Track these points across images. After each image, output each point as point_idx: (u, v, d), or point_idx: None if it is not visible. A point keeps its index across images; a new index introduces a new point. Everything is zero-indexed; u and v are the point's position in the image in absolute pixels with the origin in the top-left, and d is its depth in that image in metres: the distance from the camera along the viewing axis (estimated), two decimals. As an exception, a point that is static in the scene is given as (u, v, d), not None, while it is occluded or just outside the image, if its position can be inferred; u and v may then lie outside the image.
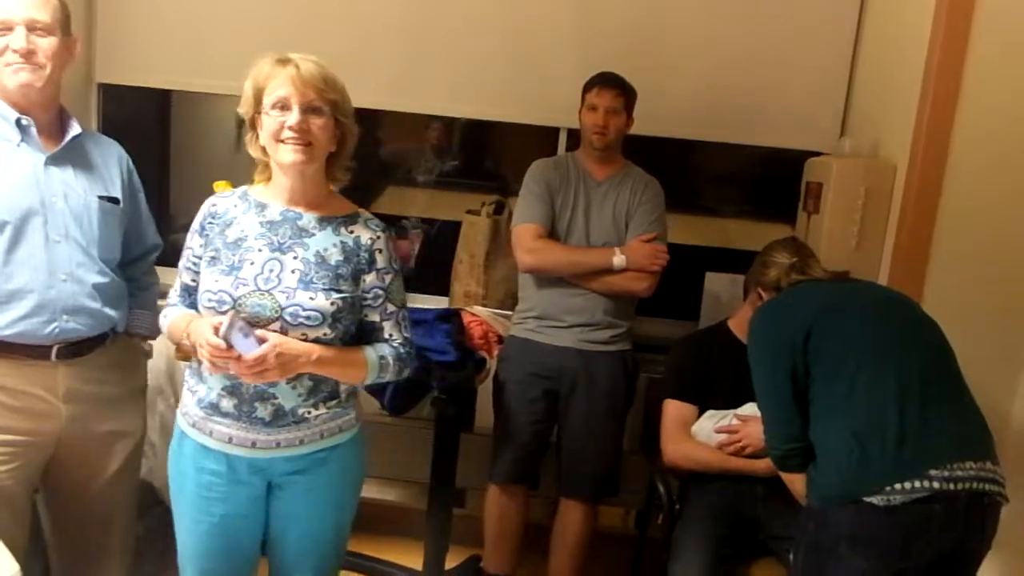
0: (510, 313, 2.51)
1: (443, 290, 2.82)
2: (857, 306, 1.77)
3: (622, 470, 2.40)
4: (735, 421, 2.17)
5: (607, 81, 2.30)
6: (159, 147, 3.09)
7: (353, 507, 1.71)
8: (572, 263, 2.28)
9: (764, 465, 2.14)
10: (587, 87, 2.33)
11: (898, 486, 1.52)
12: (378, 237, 1.58)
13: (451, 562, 2.48)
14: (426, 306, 2.59)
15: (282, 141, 1.49)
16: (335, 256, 1.54)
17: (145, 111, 3.03)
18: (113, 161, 1.82)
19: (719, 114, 2.70)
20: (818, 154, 2.56)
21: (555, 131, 2.82)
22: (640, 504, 2.60)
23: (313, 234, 1.55)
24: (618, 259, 2.25)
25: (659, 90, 2.64)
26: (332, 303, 1.50)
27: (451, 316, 2.43)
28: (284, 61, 1.49)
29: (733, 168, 3.28)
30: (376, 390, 2.24)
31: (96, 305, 1.71)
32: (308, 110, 1.48)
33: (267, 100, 1.49)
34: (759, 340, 1.82)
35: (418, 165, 3.41)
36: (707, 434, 2.21)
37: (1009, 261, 2.14)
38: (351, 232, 1.57)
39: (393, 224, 3.30)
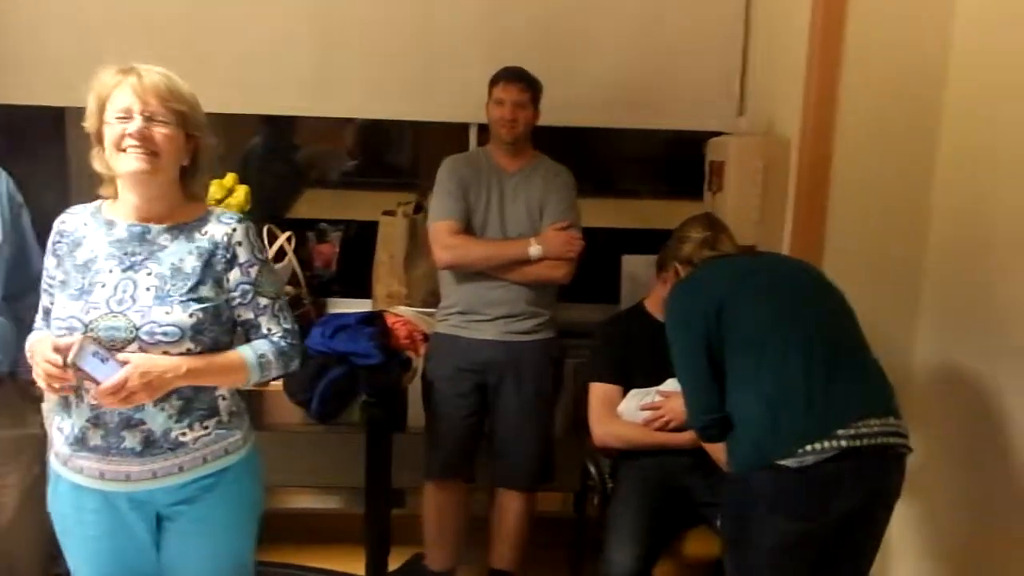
0: (434, 311, 2.52)
1: (365, 292, 2.80)
2: (764, 278, 1.85)
3: (556, 455, 2.44)
4: (658, 398, 2.24)
5: (512, 75, 2.32)
6: (58, 168, 2.97)
7: (252, 536, 1.63)
8: (489, 256, 2.30)
9: (689, 437, 2.20)
10: (493, 82, 2.35)
11: (808, 447, 1.60)
12: (234, 230, 1.51)
13: (396, 563, 2.48)
14: (349, 309, 2.58)
15: (123, 150, 1.42)
16: (191, 263, 1.48)
17: (38, 131, 2.90)
18: None
19: (625, 101, 2.75)
20: (720, 134, 2.65)
21: (466, 127, 2.83)
22: (577, 486, 2.65)
23: (165, 246, 1.49)
24: (534, 249, 2.28)
25: (566, 81, 2.67)
26: (191, 315, 1.44)
27: (374, 318, 2.42)
28: (127, 71, 1.44)
29: (644, 150, 3.36)
30: (302, 399, 2.22)
31: None
32: (151, 119, 1.42)
33: (110, 110, 1.43)
34: (675, 316, 1.88)
35: (333, 167, 3.38)
36: (632, 412, 2.27)
37: (899, 222, 2.27)
38: (205, 233, 1.51)
39: (312, 227, 3.28)
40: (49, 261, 1.53)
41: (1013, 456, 1.92)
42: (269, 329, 1.55)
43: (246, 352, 1.52)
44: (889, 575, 2.33)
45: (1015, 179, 1.93)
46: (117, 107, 1.42)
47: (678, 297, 1.91)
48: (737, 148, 2.41)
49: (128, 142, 1.41)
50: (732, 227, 2.40)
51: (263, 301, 1.54)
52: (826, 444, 1.61)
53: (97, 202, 1.56)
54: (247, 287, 1.52)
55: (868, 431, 1.63)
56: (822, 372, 1.67)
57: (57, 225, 1.54)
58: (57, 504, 1.54)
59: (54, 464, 1.54)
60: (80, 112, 1.48)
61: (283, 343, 1.56)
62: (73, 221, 1.53)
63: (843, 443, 1.61)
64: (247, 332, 1.55)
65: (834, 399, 1.65)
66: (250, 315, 1.54)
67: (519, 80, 2.32)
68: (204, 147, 1.51)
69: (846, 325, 1.79)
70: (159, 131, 1.42)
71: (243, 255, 1.52)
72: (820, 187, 2.25)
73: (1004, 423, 1.94)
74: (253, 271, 1.53)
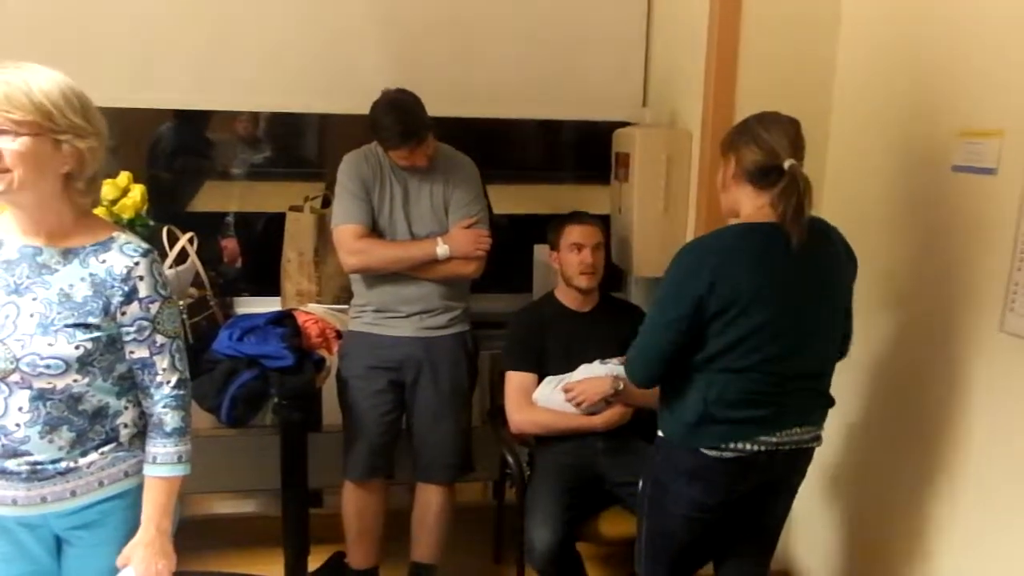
0: (346, 307, 2.48)
1: (274, 289, 2.73)
2: (780, 301, 1.65)
3: (475, 445, 2.46)
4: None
5: (411, 136, 2.15)
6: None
7: None
8: (396, 259, 2.26)
9: (601, 420, 2.31)
10: (391, 145, 2.18)
11: (731, 445, 1.69)
12: (136, 264, 1.42)
13: (316, 562, 2.47)
14: (257, 309, 2.52)
15: None
16: (82, 291, 1.39)
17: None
18: None
19: (531, 92, 2.75)
20: (625, 124, 2.69)
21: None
22: (495, 474, 2.70)
23: (56, 270, 1.39)
24: (441, 249, 2.25)
25: (469, 72, 2.68)
26: (77, 347, 1.36)
27: (284, 318, 2.37)
28: None
29: (554, 137, 3.39)
30: (211, 406, 2.16)
31: None
32: (1, 132, 1.29)
33: None
34: (678, 276, 1.68)
35: (236, 158, 3.27)
36: (548, 398, 2.33)
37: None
38: (103, 262, 1.40)
39: (217, 221, 3.16)
40: None
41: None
42: (164, 370, 1.47)
43: (174, 469, 1.49)
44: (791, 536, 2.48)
45: (895, 152, 2.07)
46: None
47: (687, 265, 1.67)
48: (642, 140, 2.45)
49: None
50: (639, 216, 2.50)
51: (160, 339, 1.46)
52: (748, 446, 1.69)
53: None
54: (145, 323, 1.44)
55: (789, 439, 1.72)
56: (774, 394, 1.68)
57: None
58: None
59: None
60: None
61: (179, 400, 1.49)
62: None
63: (762, 447, 1.70)
64: (140, 373, 1.47)
65: (771, 418, 1.70)
66: (145, 353, 1.46)
67: (419, 139, 2.16)
68: (81, 152, 1.34)
69: (824, 358, 1.77)
70: (7, 146, 1.29)
71: (144, 290, 1.43)
72: (720, 178, 2.33)
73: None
74: (153, 307, 1.44)
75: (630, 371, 1.81)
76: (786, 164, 1.62)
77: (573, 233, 2.37)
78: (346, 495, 2.40)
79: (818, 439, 1.79)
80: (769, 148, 1.64)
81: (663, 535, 1.84)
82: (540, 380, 2.37)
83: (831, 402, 1.82)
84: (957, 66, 1.85)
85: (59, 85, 1.34)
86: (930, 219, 1.95)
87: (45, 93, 1.31)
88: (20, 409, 1.37)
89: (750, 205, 1.70)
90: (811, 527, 2.42)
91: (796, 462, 1.80)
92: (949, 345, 1.88)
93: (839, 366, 1.82)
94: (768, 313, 1.63)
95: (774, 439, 1.70)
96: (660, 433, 1.81)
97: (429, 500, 2.41)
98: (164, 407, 1.48)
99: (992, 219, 1.74)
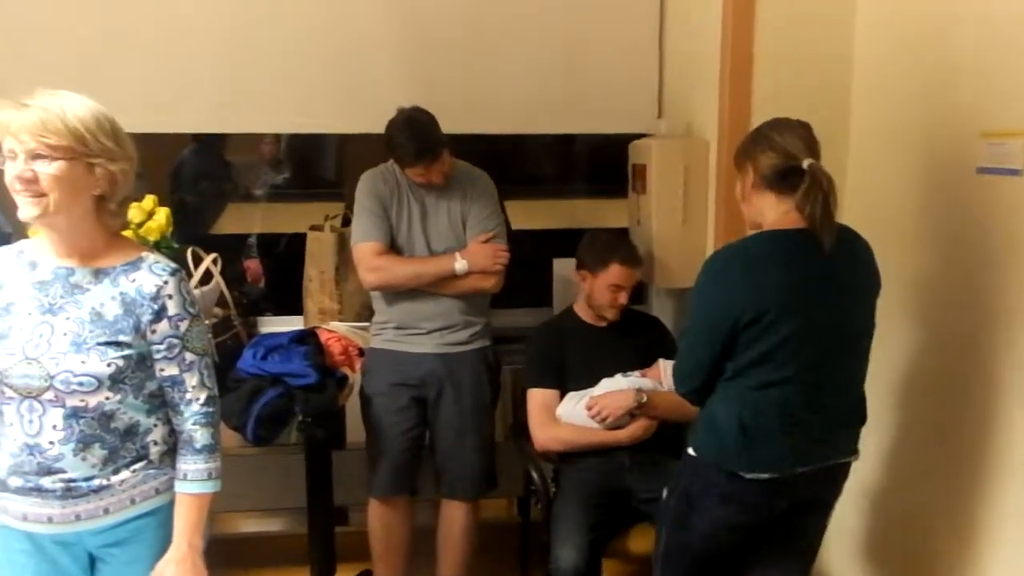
0: (368, 325, 2.49)
1: (296, 308, 2.75)
2: (812, 308, 1.61)
3: (499, 461, 2.45)
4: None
5: (426, 153, 2.17)
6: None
7: None
8: (415, 275, 2.27)
9: (626, 434, 2.28)
10: (406, 162, 2.21)
11: (767, 471, 1.64)
12: (165, 283, 1.45)
13: (342, 581, 2.47)
14: (280, 328, 2.54)
15: (17, 192, 1.36)
16: (113, 310, 1.42)
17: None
18: None
19: (546, 107, 2.76)
20: (641, 136, 2.69)
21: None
22: (520, 491, 2.68)
23: (88, 290, 1.43)
24: (460, 264, 2.25)
25: (484, 89, 2.70)
26: (109, 364, 1.40)
27: (307, 336, 2.38)
28: (10, 106, 1.34)
29: (570, 151, 3.40)
30: (237, 425, 2.18)
31: None
32: (34, 157, 1.33)
33: (4, 148, 1.37)
34: (709, 296, 1.65)
35: (256, 180, 3.32)
36: (571, 414, 2.31)
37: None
38: (133, 281, 1.44)
39: (240, 242, 3.20)
40: None
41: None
42: (193, 387, 1.49)
43: (204, 486, 1.50)
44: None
45: (912, 158, 2.04)
46: (5, 147, 1.35)
47: (721, 271, 1.64)
48: (658, 151, 2.45)
49: (16, 186, 1.35)
50: (657, 228, 2.49)
51: (190, 357, 1.49)
52: (784, 471, 1.65)
53: (23, 242, 1.50)
54: (175, 341, 1.47)
55: (822, 465, 1.69)
56: (810, 410, 1.64)
57: None
58: None
59: None
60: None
61: (208, 417, 1.51)
62: None
63: (799, 470, 1.65)
64: (171, 391, 1.49)
65: (810, 437, 1.65)
66: (175, 371, 1.48)
67: (431, 154, 2.18)
68: (113, 174, 1.40)
69: (856, 374, 1.73)
70: (44, 170, 1.33)
71: (173, 308, 1.46)
72: (739, 187, 2.31)
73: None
74: (183, 325, 1.47)
75: (675, 382, 1.79)
76: (805, 164, 1.59)
77: (616, 274, 2.30)
78: (372, 513, 2.40)
79: (855, 453, 1.75)
80: (784, 150, 1.62)
81: (683, 547, 1.79)
82: (562, 396, 2.36)
83: (865, 415, 1.77)
84: (977, 65, 1.82)
85: (92, 110, 1.39)
86: (956, 223, 1.92)
87: (79, 118, 1.36)
88: (54, 427, 1.40)
89: (773, 213, 1.66)
90: (849, 538, 2.38)
91: (835, 478, 1.75)
92: (980, 350, 1.84)
93: (868, 377, 1.78)
94: (799, 323, 1.58)
95: (809, 467, 1.66)
96: (691, 451, 1.73)
97: (454, 517, 2.40)
98: (194, 424, 1.50)
99: (1020, 221, 1.71)
